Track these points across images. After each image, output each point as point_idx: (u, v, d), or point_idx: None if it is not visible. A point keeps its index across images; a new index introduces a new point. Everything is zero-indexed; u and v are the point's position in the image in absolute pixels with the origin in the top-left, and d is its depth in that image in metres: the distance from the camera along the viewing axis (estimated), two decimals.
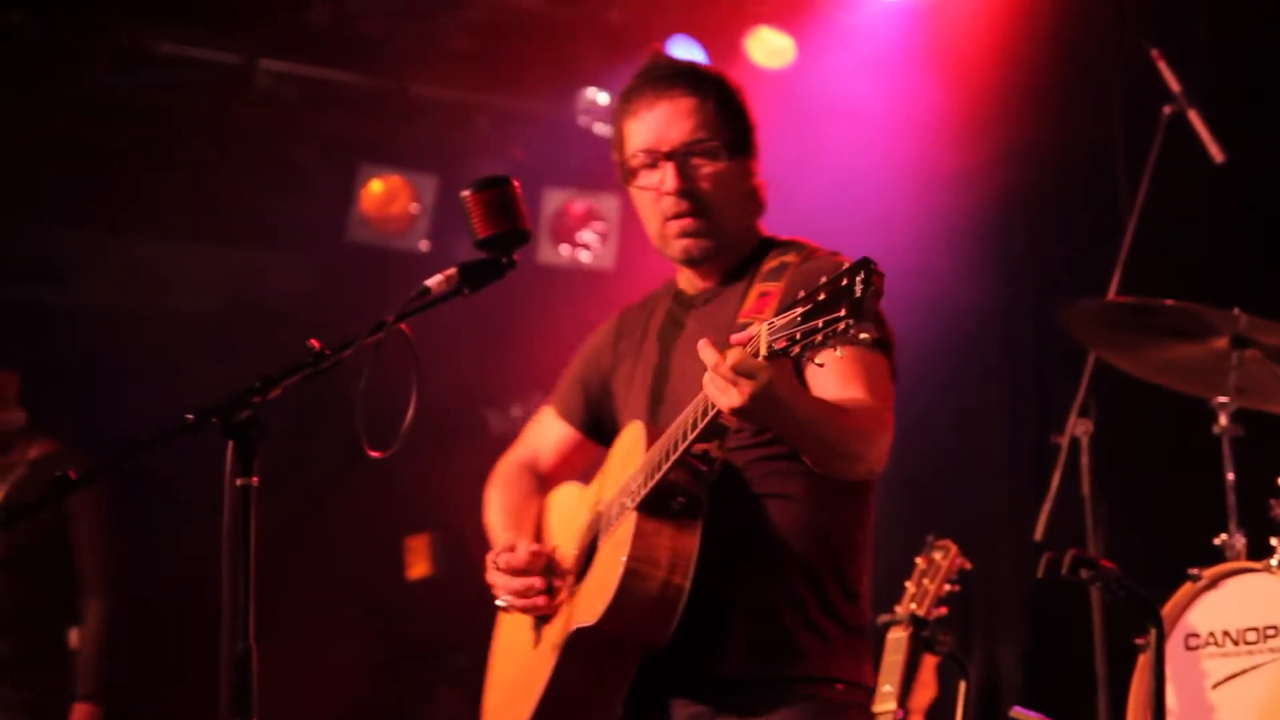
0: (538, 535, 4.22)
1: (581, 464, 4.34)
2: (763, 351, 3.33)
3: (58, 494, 3.64)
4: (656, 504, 3.67)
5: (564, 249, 9.25)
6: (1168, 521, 6.47)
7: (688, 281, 4.06)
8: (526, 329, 9.30)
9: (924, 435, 7.71)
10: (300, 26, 8.82)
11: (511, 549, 4.03)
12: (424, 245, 9.11)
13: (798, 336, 3.26)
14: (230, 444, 3.58)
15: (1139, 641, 5.00)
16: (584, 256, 9.30)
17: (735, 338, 3.44)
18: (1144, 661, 5.07)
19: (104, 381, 9.09)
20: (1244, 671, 5.13)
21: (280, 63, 8.94)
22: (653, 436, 3.76)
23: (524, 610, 4.02)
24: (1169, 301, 5.47)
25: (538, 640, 4.01)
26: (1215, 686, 5.16)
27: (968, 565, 5.30)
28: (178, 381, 9.00)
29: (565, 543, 4.08)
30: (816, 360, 3.30)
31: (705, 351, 3.41)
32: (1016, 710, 5.23)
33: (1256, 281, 6.51)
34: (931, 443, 7.79)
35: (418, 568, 10.12)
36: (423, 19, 8.92)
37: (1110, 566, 4.41)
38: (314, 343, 3.74)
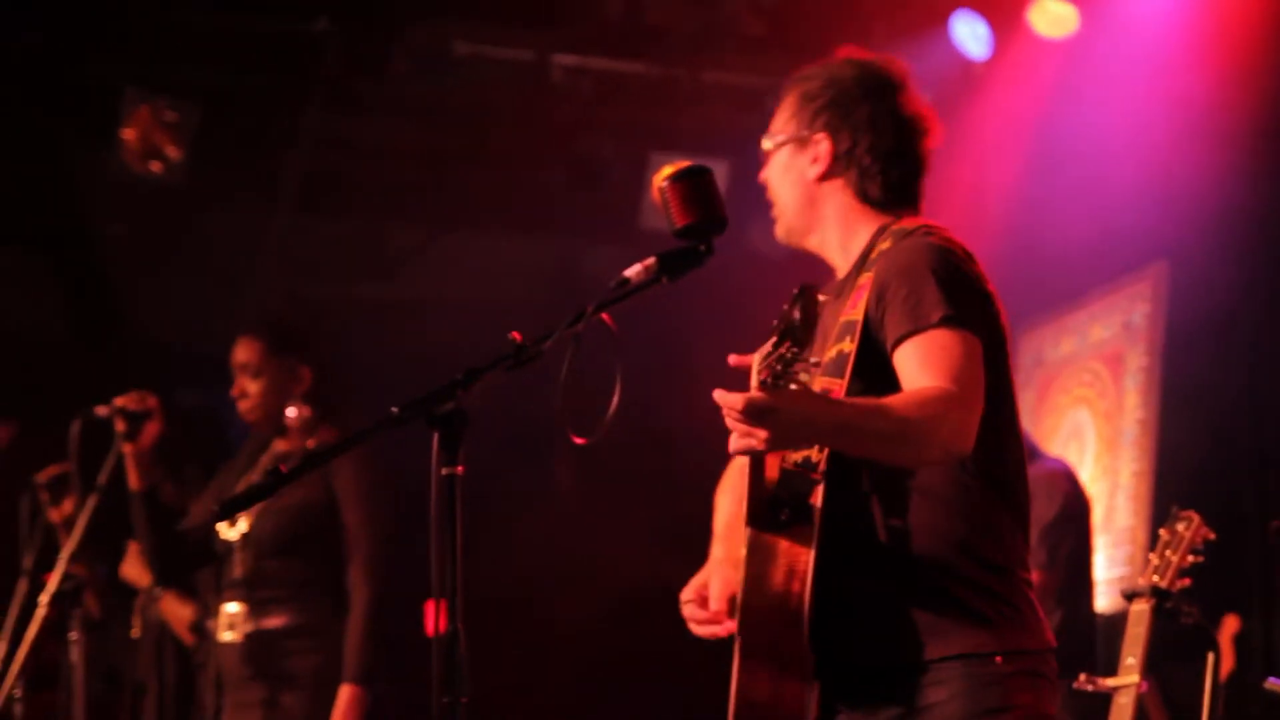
0: None
1: None
2: (753, 382, 3.43)
3: (270, 488, 3.80)
4: (763, 519, 3.70)
5: None
6: None
7: (838, 269, 4.13)
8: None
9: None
10: (592, 20, 9.00)
11: (702, 593, 4.00)
12: None
13: (776, 367, 3.38)
14: (435, 435, 3.70)
15: None
16: None
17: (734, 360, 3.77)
18: None
19: (440, 372, 9.35)
20: None
21: (573, 57, 9.12)
22: None
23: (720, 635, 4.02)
24: None
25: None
26: None
27: (1211, 536, 5.21)
28: (513, 370, 9.25)
29: None
30: (799, 378, 3.39)
31: (717, 394, 3.46)
32: (1271, 681, 5.14)
33: None
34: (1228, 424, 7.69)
35: None
36: (712, 5, 9.02)
37: None
38: (515, 335, 3.86)
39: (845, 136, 4.07)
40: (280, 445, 6.74)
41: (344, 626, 6.44)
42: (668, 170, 9.25)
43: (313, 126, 9.18)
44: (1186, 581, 5.16)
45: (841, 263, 4.07)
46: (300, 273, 10.06)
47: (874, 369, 3.73)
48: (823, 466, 3.69)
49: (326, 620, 6.52)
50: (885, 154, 4.06)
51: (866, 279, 3.84)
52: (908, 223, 3.97)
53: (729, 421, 3.44)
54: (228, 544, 6.60)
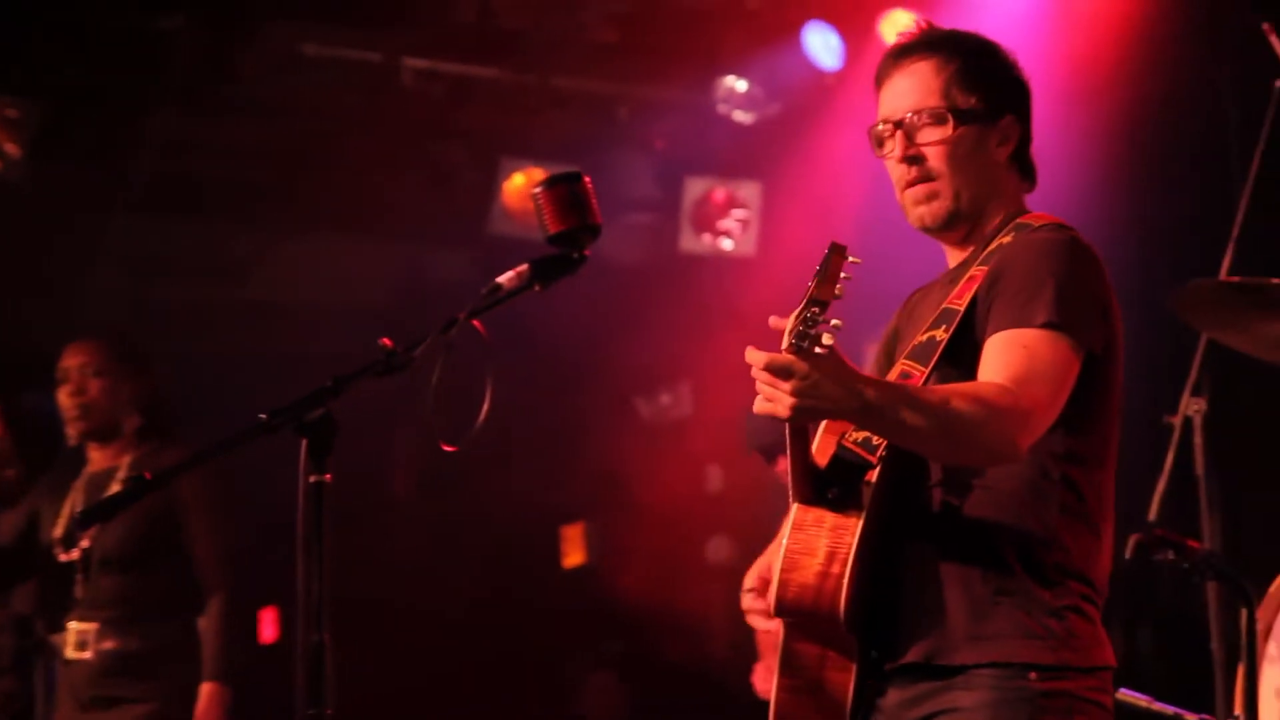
0: None
1: None
2: (784, 344, 3.30)
3: (133, 496, 3.74)
4: (812, 495, 3.63)
5: (706, 237, 9.27)
6: None
7: (949, 254, 3.98)
8: (672, 317, 9.36)
9: None
10: (444, 24, 8.94)
11: (764, 582, 3.89)
12: None
13: (801, 328, 3.27)
14: (304, 442, 3.66)
15: None
16: (726, 244, 9.32)
17: (773, 321, 3.44)
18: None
19: (277, 377, 9.27)
20: None
21: (424, 60, 9.07)
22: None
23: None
24: (1277, 280, 5.38)
25: None
26: None
27: None
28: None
29: None
30: (816, 350, 3.25)
31: (748, 352, 3.38)
32: (1123, 693, 5.19)
33: None
34: None
35: (573, 556, 10.24)
36: (565, 11, 9.00)
37: (1196, 546, 4.37)
38: (386, 341, 3.81)
39: (1026, 125, 3.95)
40: (96, 458, 6.71)
41: (195, 639, 6.46)
42: (517, 177, 9.27)
43: (161, 126, 9.04)
44: None
45: (962, 251, 3.93)
46: (145, 274, 9.91)
47: (968, 362, 3.61)
48: (882, 450, 3.60)
49: (178, 633, 6.52)
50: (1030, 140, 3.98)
51: (980, 272, 3.74)
52: (1034, 217, 3.86)
53: (756, 382, 3.36)
54: (68, 561, 6.55)
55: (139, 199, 9.44)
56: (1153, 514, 5.82)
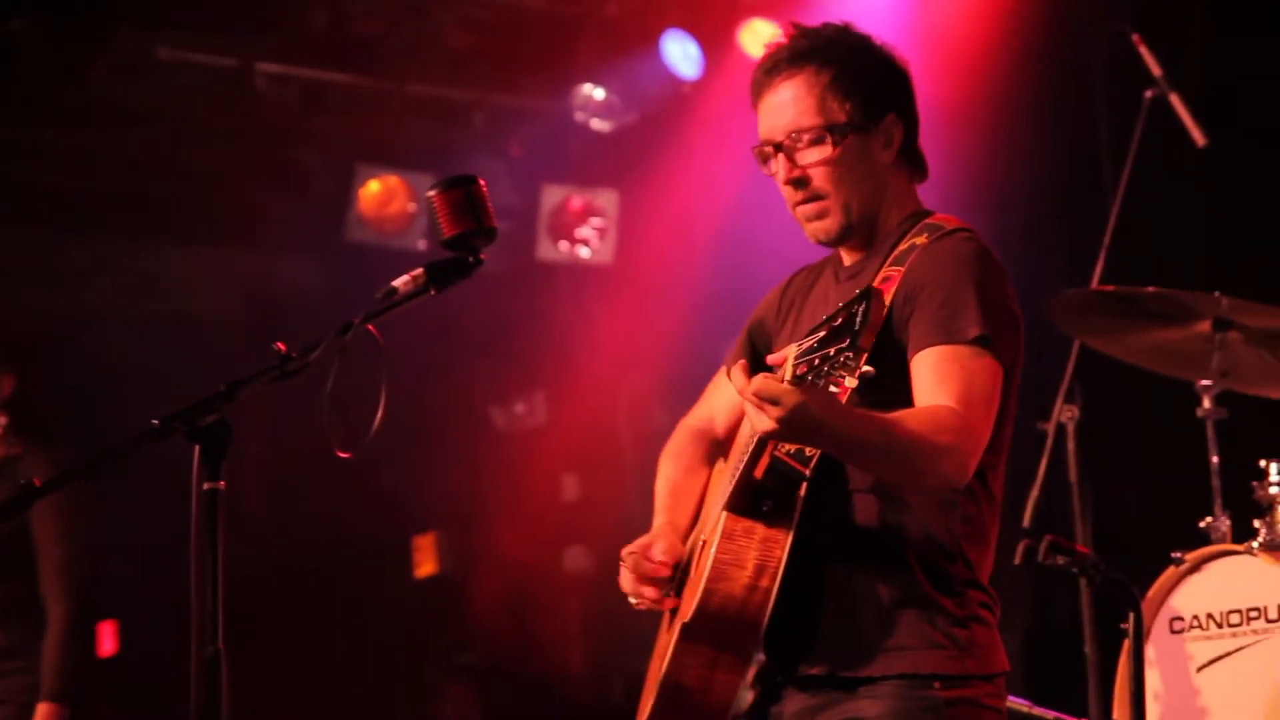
0: (699, 511, 4.13)
1: None
2: (787, 376, 3.31)
3: (21, 502, 3.65)
4: (745, 505, 3.63)
5: (563, 245, 9.23)
6: (1154, 506, 6.47)
7: (845, 251, 3.95)
8: (528, 326, 9.33)
9: None
10: (297, 29, 8.85)
11: (647, 552, 3.93)
12: (422, 244, 9.11)
13: (816, 363, 3.27)
14: (197, 448, 3.61)
15: (1124, 626, 4.99)
16: (583, 252, 9.28)
17: (771, 358, 3.45)
18: (1129, 646, 5.07)
19: (114, 386, 9.13)
20: (1229, 654, 5.15)
21: (278, 65, 8.96)
22: None
23: (642, 608, 3.96)
24: (1151, 288, 5.46)
25: (670, 626, 3.95)
26: (1200, 669, 5.17)
27: None
28: (191, 385, 9.03)
29: (705, 528, 3.99)
30: (843, 382, 3.29)
31: (735, 375, 3.39)
32: (1013, 700, 5.22)
33: (1240, 265, 6.50)
34: None
35: (425, 566, 10.15)
36: (419, 17, 8.94)
37: (1086, 552, 4.40)
38: (280, 346, 3.77)
39: (909, 118, 3.91)
40: None
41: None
42: (373, 184, 9.20)
43: (7, 130, 8.85)
44: None
45: (858, 250, 3.92)
46: None
47: (881, 361, 3.55)
48: (814, 462, 3.59)
49: (33, 640, 6.29)
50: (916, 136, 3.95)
51: (895, 272, 3.72)
52: (942, 219, 3.86)
53: (744, 401, 3.37)
54: None
55: None
56: (1026, 520, 5.88)
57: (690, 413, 4.32)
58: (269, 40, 8.90)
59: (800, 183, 3.82)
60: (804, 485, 3.62)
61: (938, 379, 3.58)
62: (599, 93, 9.05)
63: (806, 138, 3.80)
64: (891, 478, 3.62)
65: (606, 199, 9.27)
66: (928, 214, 3.90)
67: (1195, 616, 5.19)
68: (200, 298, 9.96)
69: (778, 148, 3.83)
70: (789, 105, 3.81)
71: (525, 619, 9.50)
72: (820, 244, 3.91)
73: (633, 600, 3.97)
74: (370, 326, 3.86)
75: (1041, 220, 7.70)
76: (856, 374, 3.27)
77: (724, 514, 3.62)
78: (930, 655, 3.64)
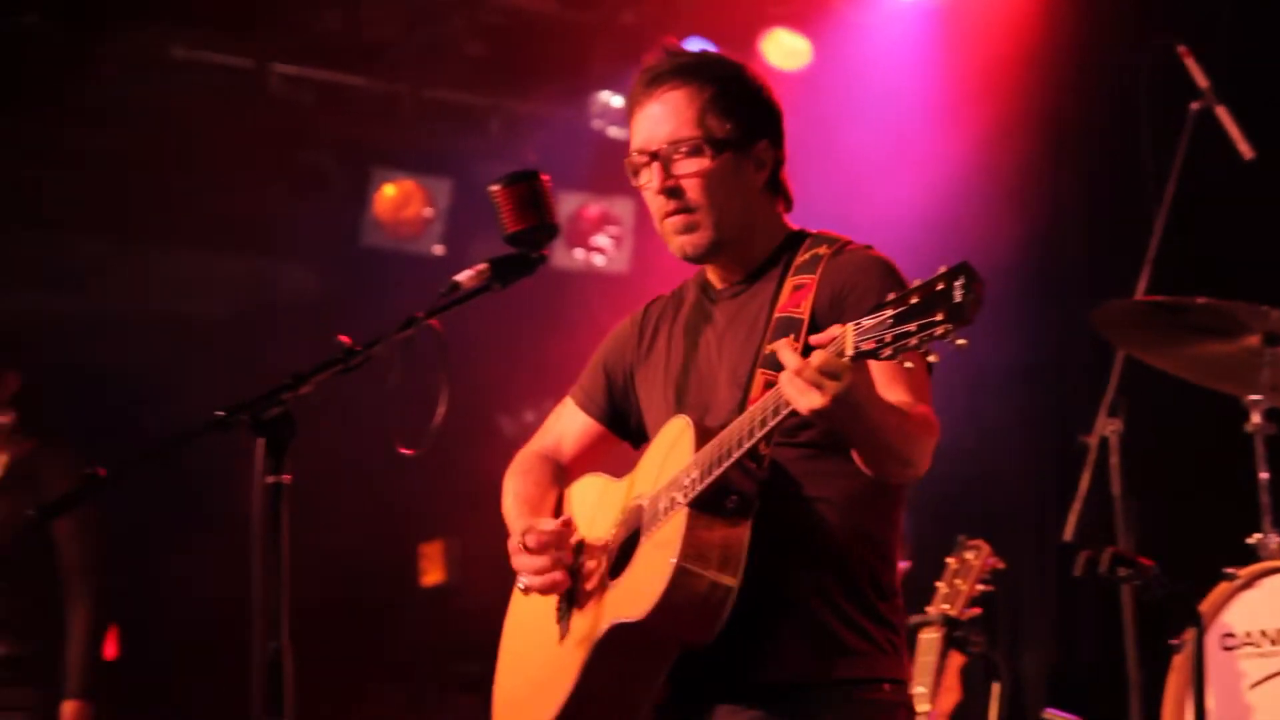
0: None
1: (602, 456, 4.26)
2: (849, 352, 3.29)
3: (88, 492, 3.58)
4: (710, 501, 3.60)
5: (578, 253, 9.19)
6: (1200, 521, 6.40)
7: (716, 275, 3.99)
8: (540, 333, 9.25)
9: (945, 438, 7.65)
10: (312, 31, 8.79)
11: (532, 528, 3.94)
12: (438, 249, 9.06)
13: (888, 339, 3.22)
14: (260, 441, 3.54)
15: (1174, 642, 4.95)
16: (598, 260, 9.25)
17: (815, 338, 3.40)
18: (1179, 662, 5.02)
19: (116, 388, 9.07)
20: None
21: (293, 67, 8.89)
22: (701, 433, 3.69)
23: (544, 589, 3.91)
24: (1200, 299, 5.41)
25: (564, 634, 3.93)
26: (1253, 687, 5.12)
27: (1000, 565, 5.24)
28: (191, 388, 8.97)
29: (593, 533, 3.99)
30: (906, 364, 3.27)
31: (785, 353, 3.39)
32: (1049, 712, 5.18)
33: None
34: (953, 445, 7.69)
35: (431, 574, 10.08)
36: (435, 23, 8.88)
37: (1149, 564, 4.36)
38: (344, 339, 3.72)
39: (779, 145, 3.96)
40: None
41: (65, 650, 6.27)
42: (389, 188, 9.14)
43: (11, 128, 8.76)
44: (977, 610, 5.17)
45: (734, 271, 3.95)
46: None
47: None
48: (767, 462, 3.64)
49: (47, 645, 6.32)
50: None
51: (806, 279, 3.76)
52: (833, 234, 3.90)
53: (789, 375, 3.35)
54: None
55: None
56: (1069, 533, 5.81)
57: (533, 439, 4.37)
58: (284, 41, 8.83)
59: (673, 192, 3.86)
60: (759, 484, 3.63)
61: (887, 379, 3.61)
62: (616, 100, 9.01)
63: (685, 148, 3.85)
64: (882, 464, 3.60)
65: (622, 207, 9.24)
66: (809, 233, 3.94)
67: (1248, 633, 5.14)
68: (201, 300, 9.90)
69: (654, 156, 3.88)
70: (669, 116, 3.87)
71: None
72: (686, 258, 3.93)
73: (531, 580, 3.92)
74: (433, 321, 3.79)
75: (1087, 233, 7.65)
76: (955, 343, 3.20)
77: (686, 510, 3.61)
78: (880, 659, 3.72)
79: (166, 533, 8.60)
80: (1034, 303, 7.85)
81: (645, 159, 3.90)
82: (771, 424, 3.48)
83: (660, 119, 3.87)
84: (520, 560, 3.93)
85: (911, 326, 3.19)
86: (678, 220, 3.86)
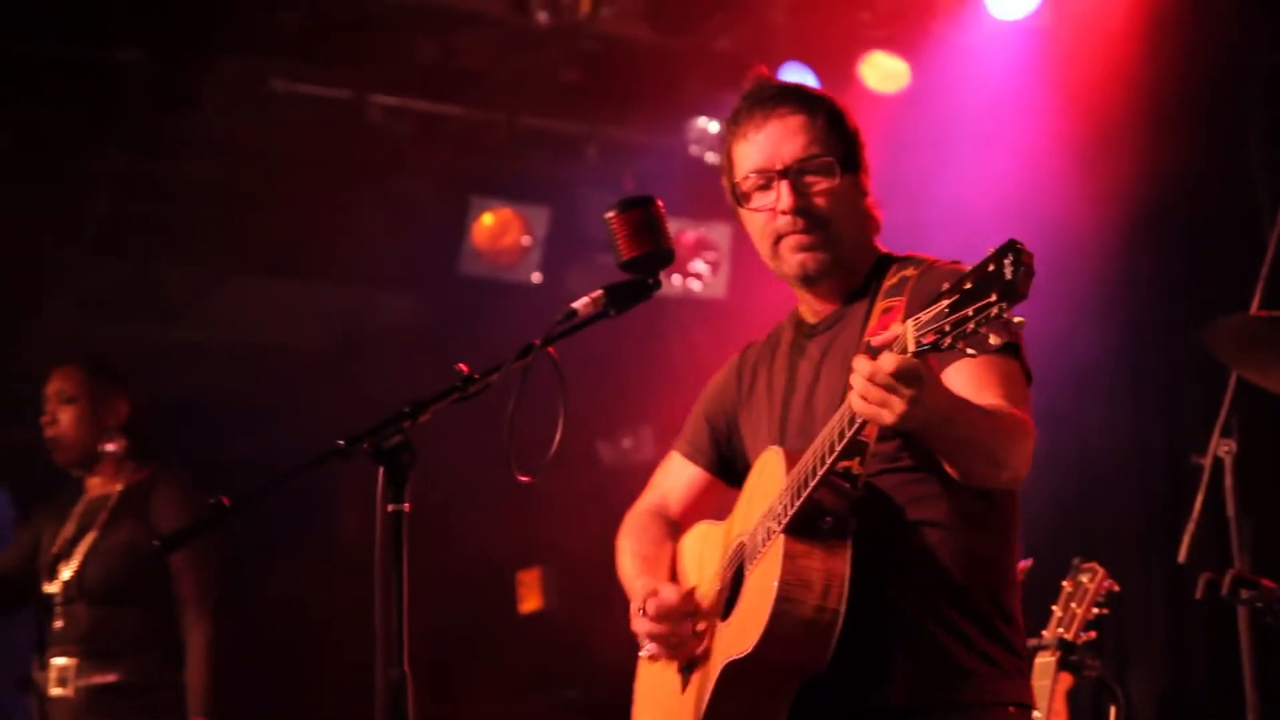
0: (673, 580, 4.12)
1: (712, 505, 4.24)
2: (910, 347, 3.26)
3: (213, 521, 3.59)
4: (804, 525, 3.57)
5: (675, 279, 9.18)
6: None
7: (809, 309, 3.99)
8: (637, 360, 9.26)
9: (1054, 459, 7.60)
10: (409, 61, 8.82)
11: (656, 594, 3.93)
12: (536, 277, 9.07)
13: (947, 328, 3.18)
14: (381, 470, 3.55)
15: None
16: (695, 286, 9.24)
17: (876, 340, 3.37)
18: None
19: (217, 418, 9.13)
20: None
21: (391, 98, 8.93)
22: (791, 460, 3.67)
23: (673, 656, 3.93)
24: None
25: (685, 685, 3.92)
26: None
27: (1115, 587, 5.18)
28: (290, 418, 9.02)
29: (703, 582, 4.00)
30: (968, 351, 3.19)
31: (859, 361, 3.35)
32: None
33: None
34: (1062, 467, 7.65)
35: (529, 601, 10.09)
36: (530, 50, 8.91)
37: (1272, 586, 4.32)
38: (462, 367, 3.72)
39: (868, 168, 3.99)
40: (93, 484, 6.57)
41: (178, 678, 6.30)
42: (487, 217, 9.16)
43: (115, 161, 8.85)
44: (1092, 634, 5.13)
45: (830, 299, 3.94)
46: (95, 311, 9.71)
47: None
48: (862, 481, 3.61)
49: (160, 672, 6.36)
50: None
51: (895, 302, 3.73)
52: (922, 255, 3.89)
53: (858, 385, 3.32)
54: (48, 595, 6.40)
55: (91, 237, 9.24)
56: (1183, 555, 5.73)
57: (641, 498, 4.38)
58: (380, 72, 8.87)
59: (804, 212, 3.84)
60: (855, 504, 3.60)
61: (978, 385, 3.60)
62: (713, 126, 9.01)
63: (816, 166, 3.86)
64: (970, 465, 3.57)
65: (719, 233, 9.23)
66: (896, 256, 3.94)
67: None
68: (301, 331, 9.97)
69: (782, 174, 3.86)
70: (794, 134, 3.88)
71: (631, 654, 9.42)
72: (802, 278, 3.91)
73: (652, 650, 3.94)
74: (550, 349, 3.79)
75: (1196, 248, 7.59)
76: (1012, 325, 3.14)
77: (782, 537, 3.58)
78: (1004, 682, 3.69)
79: (280, 556, 8.66)
80: (1140, 321, 7.80)
81: (763, 179, 3.88)
82: (849, 435, 3.45)
83: (784, 138, 3.87)
84: (641, 625, 3.94)
85: (968, 311, 3.14)
86: (803, 238, 3.85)
